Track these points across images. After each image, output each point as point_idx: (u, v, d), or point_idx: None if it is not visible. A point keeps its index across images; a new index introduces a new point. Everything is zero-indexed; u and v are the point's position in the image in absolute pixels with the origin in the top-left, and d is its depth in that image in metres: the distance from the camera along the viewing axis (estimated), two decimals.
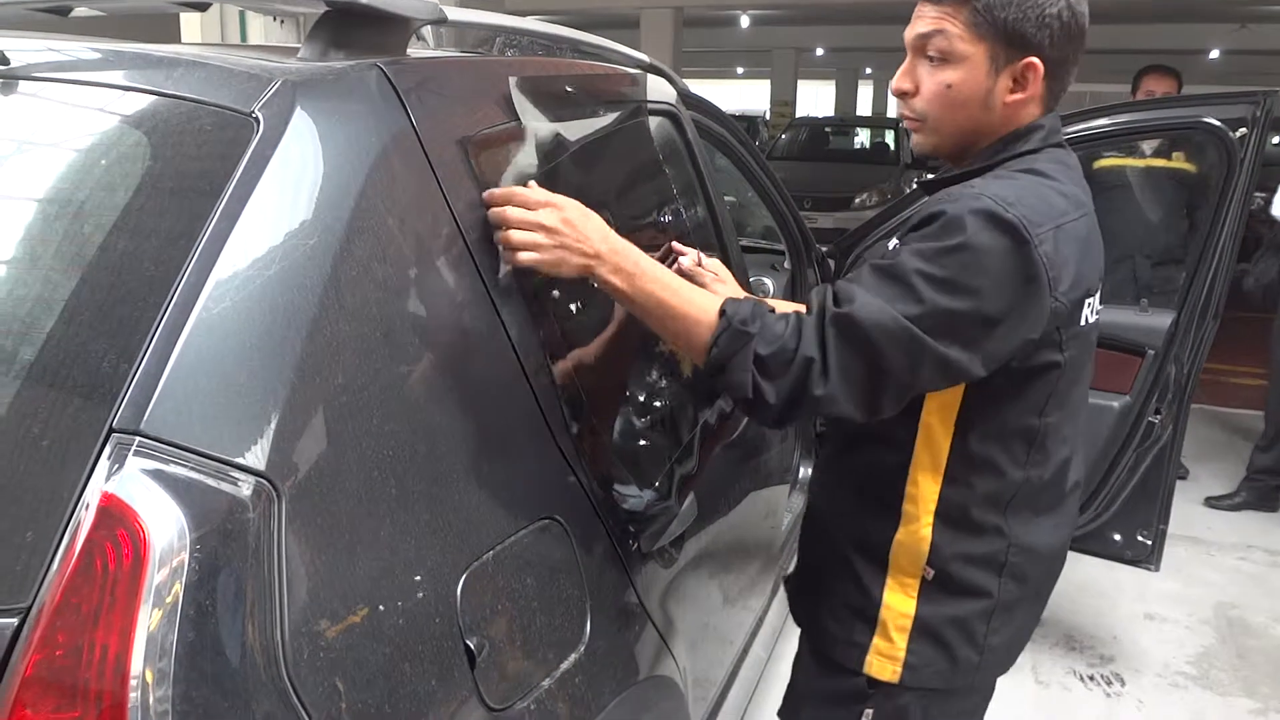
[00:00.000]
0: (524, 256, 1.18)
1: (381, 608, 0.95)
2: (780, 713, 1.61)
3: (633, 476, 1.41)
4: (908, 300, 1.15)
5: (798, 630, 1.57)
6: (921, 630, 1.36)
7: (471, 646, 1.03)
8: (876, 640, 1.37)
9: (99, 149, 1.08)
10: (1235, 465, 4.38)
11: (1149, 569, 2.81)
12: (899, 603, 1.36)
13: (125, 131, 1.09)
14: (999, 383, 1.25)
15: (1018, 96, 1.27)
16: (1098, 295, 1.32)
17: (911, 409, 1.27)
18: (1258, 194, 2.75)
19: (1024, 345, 1.21)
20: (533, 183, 1.25)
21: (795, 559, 1.61)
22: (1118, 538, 2.81)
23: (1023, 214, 1.16)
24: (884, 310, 1.15)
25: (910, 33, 1.29)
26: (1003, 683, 2.84)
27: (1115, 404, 2.68)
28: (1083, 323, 1.29)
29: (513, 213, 1.19)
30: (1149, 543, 2.79)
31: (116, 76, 1.16)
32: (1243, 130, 2.48)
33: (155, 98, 1.09)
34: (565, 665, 1.18)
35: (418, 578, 0.99)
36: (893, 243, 1.25)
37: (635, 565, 1.39)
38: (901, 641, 1.36)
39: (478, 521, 1.09)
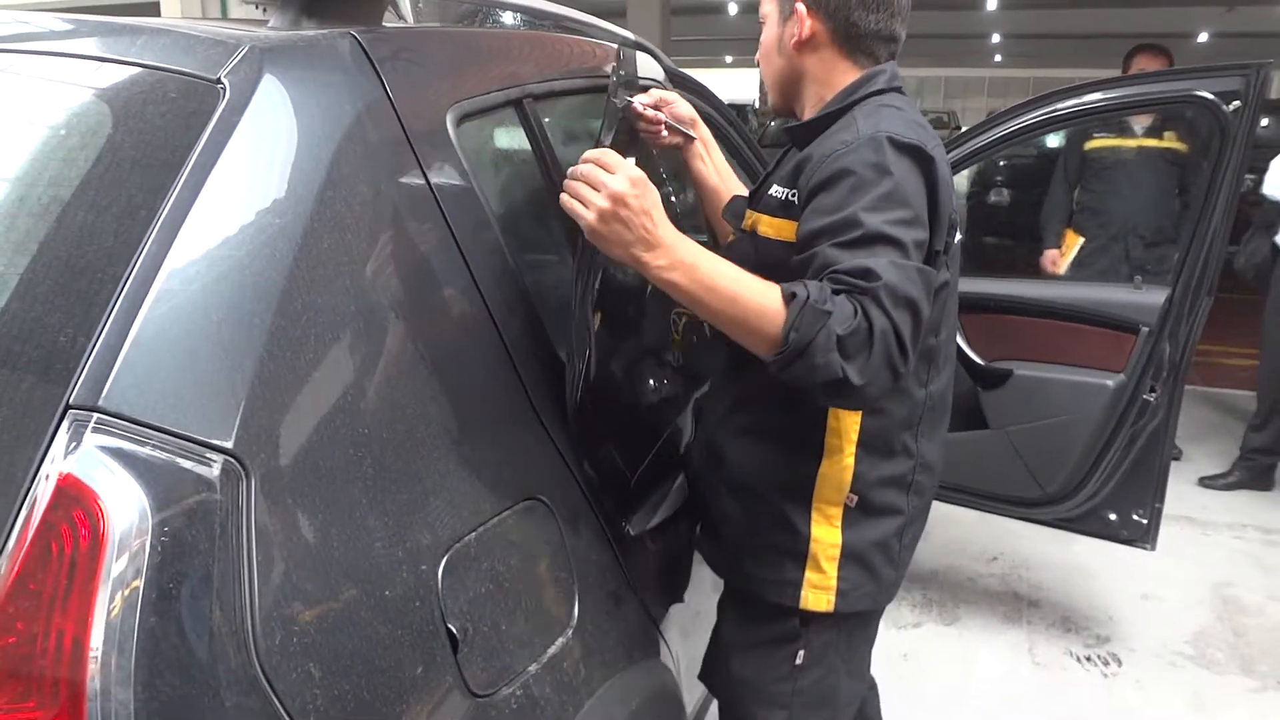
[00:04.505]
0: (579, 210, 1.15)
1: (358, 591, 0.91)
2: (703, 674, 1.58)
3: (620, 457, 1.37)
4: (896, 250, 1.18)
5: None
6: (850, 556, 1.40)
7: (454, 631, 1.00)
8: (809, 574, 1.40)
9: (58, 119, 1.04)
10: (1229, 445, 4.36)
11: (1145, 548, 2.78)
12: (826, 534, 1.39)
13: (86, 101, 1.05)
14: None
15: (799, 42, 1.39)
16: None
17: None
18: (1248, 174, 2.71)
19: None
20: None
21: (701, 519, 1.58)
22: (1113, 517, 2.78)
23: (916, 137, 1.24)
24: (895, 265, 1.16)
25: None
26: (1000, 664, 2.84)
27: (1110, 383, 2.65)
28: (955, 241, 1.38)
29: (585, 167, 1.16)
30: (1145, 522, 2.76)
31: (78, 45, 1.12)
32: (1236, 103, 2.45)
33: (118, 66, 1.05)
34: (552, 650, 1.15)
35: (397, 560, 0.96)
36: (777, 190, 1.35)
37: (624, 548, 1.35)
38: (833, 570, 1.39)
39: (460, 502, 1.05)
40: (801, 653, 1.44)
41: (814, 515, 1.39)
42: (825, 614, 1.41)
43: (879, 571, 1.42)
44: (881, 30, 1.37)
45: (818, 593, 1.40)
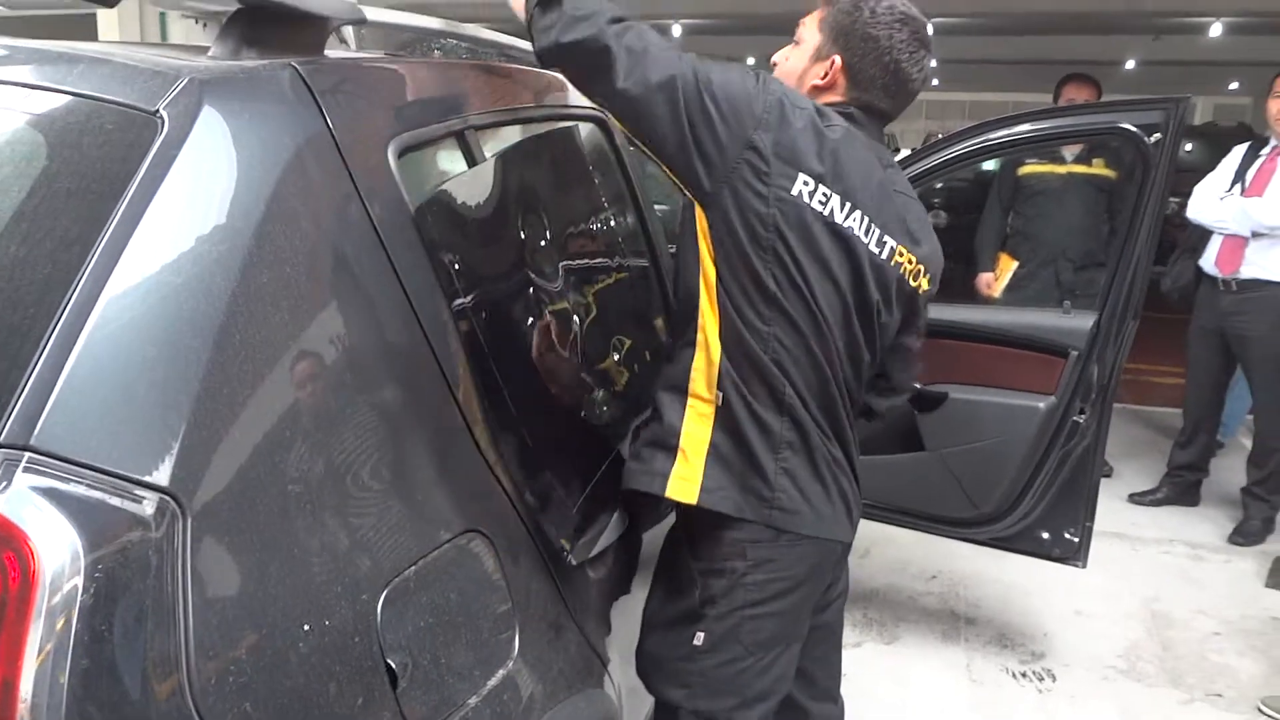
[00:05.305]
0: None
1: (296, 628, 0.91)
2: (636, 654, 1.63)
3: (560, 487, 1.38)
4: (685, 67, 1.41)
5: None
6: (714, 455, 1.48)
7: (394, 666, 1.00)
8: (678, 465, 1.48)
9: None
10: (1158, 462, 4.48)
11: (1077, 565, 2.85)
12: (696, 429, 1.48)
13: (20, 130, 1.04)
14: (720, 218, 1.42)
15: (818, 84, 1.57)
16: (839, 199, 1.43)
17: (696, 246, 1.46)
18: (1172, 199, 2.80)
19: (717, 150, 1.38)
20: None
21: None
22: (1046, 536, 2.84)
23: (806, 103, 1.45)
24: (673, 48, 1.43)
25: None
26: (937, 681, 2.89)
27: (1041, 405, 2.72)
28: (803, 197, 1.41)
29: None
30: (1076, 540, 2.83)
31: (12, 73, 1.10)
32: (1157, 135, 2.54)
33: (54, 95, 1.04)
34: (493, 682, 1.15)
35: (335, 596, 0.95)
36: None
37: (565, 578, 1.36)
38: (699, 464, 1.47)
39: (399, 536, 1.05)
40: (701, 635, 1.51)
41: (688, 411, 1.49)
42: (726, 590, 1.48)
43: (746, 480, 1.47)
44: (887, 111, 1.57)
45: (682, 483, 1.47)
